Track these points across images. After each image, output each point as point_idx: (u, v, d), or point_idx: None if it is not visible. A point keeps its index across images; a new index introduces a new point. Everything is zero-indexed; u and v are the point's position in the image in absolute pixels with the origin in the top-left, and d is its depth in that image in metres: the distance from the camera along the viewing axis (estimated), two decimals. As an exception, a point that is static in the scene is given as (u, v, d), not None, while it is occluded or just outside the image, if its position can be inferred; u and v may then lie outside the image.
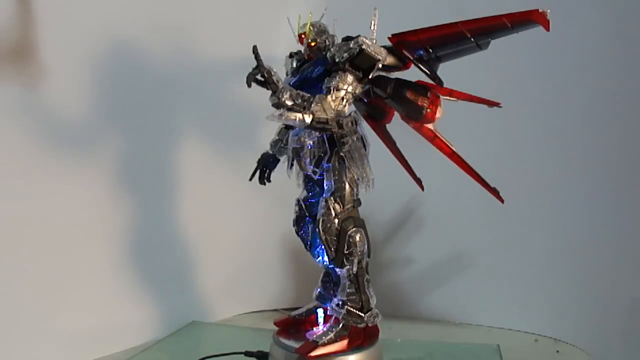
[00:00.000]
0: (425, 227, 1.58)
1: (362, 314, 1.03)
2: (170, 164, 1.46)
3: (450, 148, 1.08)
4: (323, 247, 1.08)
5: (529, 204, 1.46)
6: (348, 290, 1.03)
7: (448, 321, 1.55)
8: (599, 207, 1.37)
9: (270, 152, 1.16)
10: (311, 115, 0.96)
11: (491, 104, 1.06)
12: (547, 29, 0.86)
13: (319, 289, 1.14)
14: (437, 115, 1.04)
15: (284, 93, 0.94)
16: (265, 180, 1.15)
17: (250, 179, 1.13)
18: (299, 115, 0.95)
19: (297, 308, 1.17)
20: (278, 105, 0.95)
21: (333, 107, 0.97)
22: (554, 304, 1.44)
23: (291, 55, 1.08)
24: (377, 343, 1.07)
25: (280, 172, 1.16)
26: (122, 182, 1.38)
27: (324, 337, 1.02)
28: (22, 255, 1.23)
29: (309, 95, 0.96)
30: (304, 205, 1.10)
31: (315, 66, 1.03)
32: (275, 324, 1.14)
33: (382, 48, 0.99)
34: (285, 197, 1.16)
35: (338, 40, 1.05)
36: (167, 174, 1.47)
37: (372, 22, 1.00)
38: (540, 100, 1.41)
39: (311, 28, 1.03)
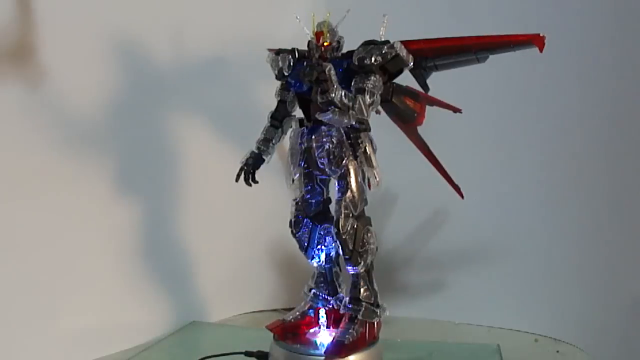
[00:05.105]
0: (425, 227, 1.58)
1: (376, 309, 1.06)
2: (170, 165, 1.46)
3: (427, 146, 1.13)
4: (322, 248, 1.10)
5: (529, 204, 1.47)
6: (363, 287, 1.05)
7: (448, 321, 1.55)
8: (598, 207, 1.37)
9: (257, 151, 1.13)
10: (355, 115, 0.96)
11: (455, 109, 1.13)
12: (541, 51, 0.94)
13: (313, 290, 1.14)
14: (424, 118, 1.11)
15: (338, 92, 0.94)
16: (252, 182, 1.14)
17: (237, 180, 1.13)
18: (346, 114, 0.95)
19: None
20: (329, 103, 0.94)
21: (370, 107, 0.98)
22: (554, 304, 1.44)
23: (278, 53, 1.07)
24: (377, 343, 1.08)
25: (277, 174, 1.16)
26: (123, 183, 1.38)
27: (347, 336, 1.03)
28: (22, 255, 1.23)
29: (351, 95, 0.97)
30: (302, 206, 1.10)
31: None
32: (270, 329, 1.13)
33: (409, 54, 1.00)
34: (283, 199, 1.16)
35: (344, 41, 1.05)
36: (167, 175, 1.47)
37: (382, 28, 1.01)
38: (539, 100, 1.42)
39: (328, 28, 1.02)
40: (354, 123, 0.98)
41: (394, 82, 1.05)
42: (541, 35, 0.94)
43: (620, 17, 1.31)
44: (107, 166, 1.36)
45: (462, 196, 1.13)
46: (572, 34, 1.32)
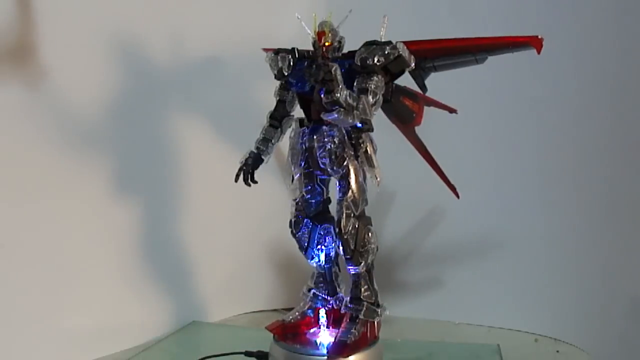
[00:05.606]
0: (424, 227, 1.58)
1: (377, 309, 1.06)
2: (170, 165, 1.46)
3: (424, 146, 1.14)
4: (322, 248, 1.10)
5: (528, 205, 1.47)
6: (363, 287, 1.05)
7: (448, 321, 1.55)
8: (598, 207, 1.37)
9: (256, 151, 1.13)
10: (359, 115, 0.96)
11: (451, 110, 1.16)
12: (539, 52, 0.96)
13: (313, 290, 1.14)
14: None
15: (343, 92, 0.94)
16: (251, 182, 1.14)
17: (236, 180, 1.12)
18: (351, 114, 0.95)
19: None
20: (334, 103, 0.94)
21: (372, 107, 0.98)
22: (554, 304, 1.44)
23: (277, 52, 1.07)
24: (377, 343, 1.08)
25: (276, 174, 1.15)
26: (123, 183, 1.38)
27: (349, 336, 1.04)
28: (22, 255, 1.23)
29: (355, 95, 0.97)
30: (302, 206, 1.10)
31: None
32: (269, 330, 1.13)
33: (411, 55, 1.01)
34: (283, 199, 1.16)
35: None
36: (167, 175, 1.47)
37: (382, 29, 1.01)
38: (536, 101, 1.42)
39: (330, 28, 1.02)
40: (357, 123, 0.98)
41: (393, 83, 1.05)
42: (539, 37, 0.95)
43: (618, 19, 1.31)
44: (107, 166, 1.36)
45: (457, 196, 1.14)
46: (570, 35, 1.33)
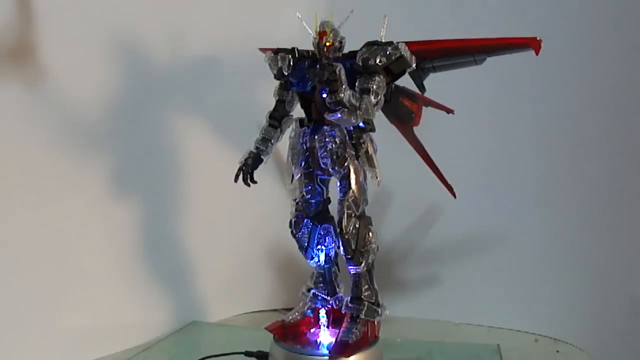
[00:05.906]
0: (424, 226, 1.58)
1: (377, 308, 1.06)
2: (170, 165, 1.46)
3: (422, 146, 1.15)
4: (322, 248, 1.10)
5: (528, 205, 1.47)
6: (364, 286, 1.06)
7: (448, 321, 1.55)
8: (598, 207, 1.38)
9: (255, 151, 1.12)
10: (362, 115, 0.96)
11: (448, 110, 1.16)
12: (537, 54, 0.96)
13: (313, 290, 1.14)
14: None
15: (346, 92, 0.94)
16: (250, 182, 1.13)
17: (236, 180, 1.12)
18: (354, 114, 0.95)
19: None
20: (337, 103, 0.94)
21: (374, 107, 0.98)
22: (554, 304, 1.44)
23: (276, 52, 1.07)
24: (377, 343, 1.08)
25: (276, 174, 1.15)
26: (123, 184, 1.38)
27: (351, 335, 1.04)
28: (22, 255, 1.23)
29: (358, 95, 0.97)
30: (302, 206, 1.10)
31: None
32: (269, 330, 1.13)
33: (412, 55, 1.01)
34: (282, 199, 1.16)
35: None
36: (168, 176, 1.47)
37: (382, 29, 1.01)
38: (535, 101, 1.42)
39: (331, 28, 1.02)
40: (360, 123, 0.98)
41: (393, 83, 1.05)
42: (538, 38, 0.95)
43: (618, 19, 1.31)
44: (107, 166, 1.36)
45: (454, 196, 1.14)
46: (569, 36, 1.33)
